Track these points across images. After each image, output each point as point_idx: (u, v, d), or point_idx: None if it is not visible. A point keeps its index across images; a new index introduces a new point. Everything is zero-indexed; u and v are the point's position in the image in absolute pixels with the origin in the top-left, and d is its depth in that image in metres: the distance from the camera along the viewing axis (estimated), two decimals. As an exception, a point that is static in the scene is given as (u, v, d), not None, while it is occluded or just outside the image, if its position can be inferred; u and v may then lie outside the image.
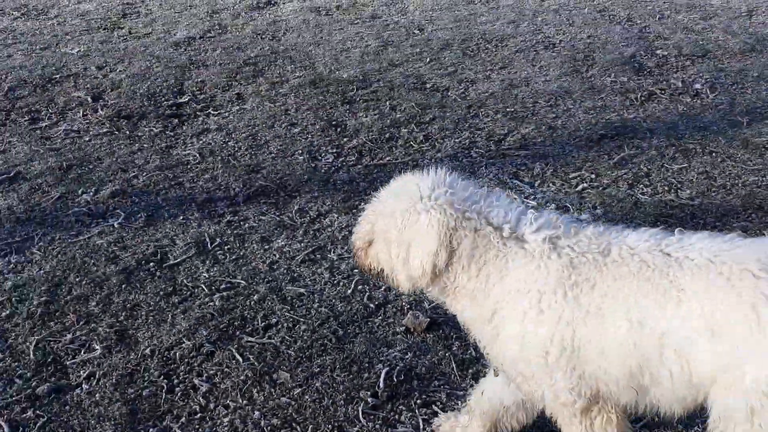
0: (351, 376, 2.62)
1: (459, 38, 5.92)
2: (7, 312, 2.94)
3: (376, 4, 6.85)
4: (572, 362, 1.92)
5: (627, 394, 1.92)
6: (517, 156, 4.16)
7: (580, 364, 1.92)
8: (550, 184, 3.87)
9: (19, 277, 3.14)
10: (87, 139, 4.44)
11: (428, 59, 5.56)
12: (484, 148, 4.26)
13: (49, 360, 2.70)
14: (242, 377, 2.62)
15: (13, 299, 3.01)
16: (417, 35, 6.07)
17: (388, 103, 4.87)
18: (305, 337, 2.81)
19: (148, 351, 2.74)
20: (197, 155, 4.24)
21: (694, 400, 1.86)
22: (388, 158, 4.20)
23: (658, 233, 1.94)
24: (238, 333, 2.84)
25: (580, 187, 3.83)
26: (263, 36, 6.12)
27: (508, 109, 4.72)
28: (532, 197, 3.74)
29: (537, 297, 1.92)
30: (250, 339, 2.81)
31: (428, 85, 5.13)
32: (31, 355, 2.71)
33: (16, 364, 2.68)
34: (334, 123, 4.60)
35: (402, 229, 2.01)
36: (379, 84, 5.16)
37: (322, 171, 4.06)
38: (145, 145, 4.35)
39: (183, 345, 2.77)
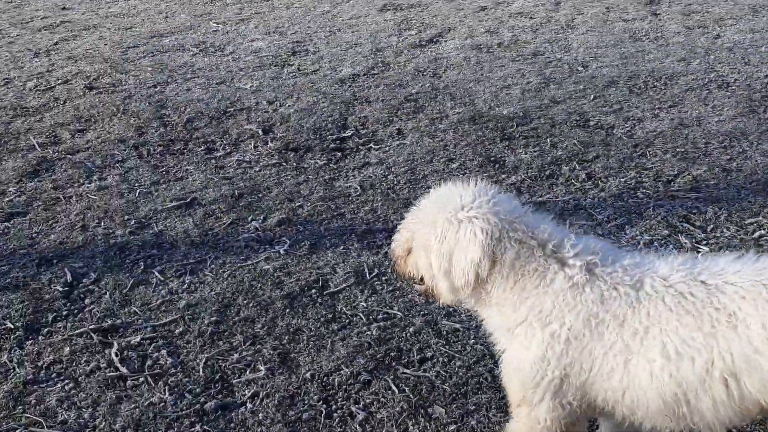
0: (507, 417, 2.56)
1: (625, 75, 5.77)
2: (181, 329, 3.12)
3: (539, 41, 6.81)
4: (581, 392, 1.97)
5: (656, 421, 1.92)
6: (687, 198, 3.97)
7: (590, 396, 1.96)
8: (724, 230, 3.65)
9: (192, 297, 3.33)
10: (257, 169, 4.67)
11: (592, 96, 5.44)
12: (651, 189, 4.09)
13: (217, 377, 2.83)
14: (398, 408, 2.63)
15: (186, 317, 3.19)
16: (580, 72, 5.97)
17: (548, 140, 4.80)
18: (460, 373, 2.79)
19: (308, 375, 2.81)
20: (358, 187, 4.35)
21: (742, 420, 1.88)
22: (548, 196, 4.13)
23: (687, 260, 1.95)
24: (394, 364, 2.86)
25: (757, 234, 3.59)
26: (424, 73, 6.24)
27: (677, 150, 4.53)
28: (705, 242, 3.54)
29: (565, 325, 1.94)
30: (406, 371, 2.82)
31: (592, 123, 5.02)
32: (201, 372, 2.86)
33: (187, 379, 2.83)
34: (492, 159, 4.59)
35: (443, 238, 2.02)
36: (540, 121, 5.10)
37: (480, 207, 4.04)
38: (310, 177, 4.51)
39: (342, 372, 2.82)
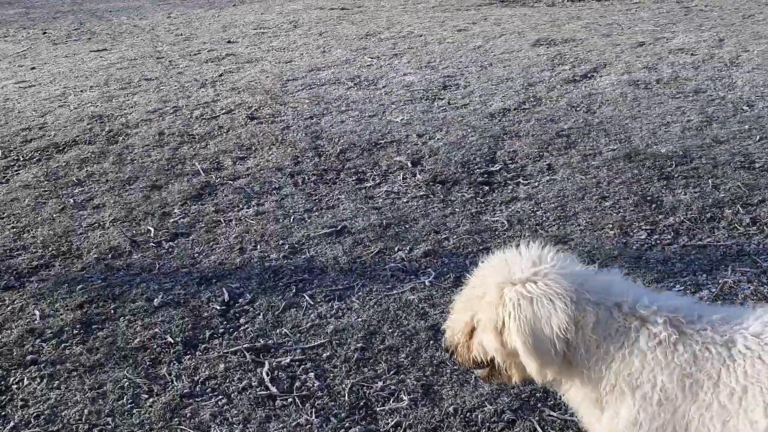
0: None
1: (796, 115, 5.42)
2: (328, 353, 3.19)
3: (700, 78, 6.53)
4: None
5: None
6: None
7: None
8: None
9: (339, 323, 3.40)
10: (405, 200, 4.73)
11: (758, 137, 5.14)
12: (825, 237, 3.80)
13: (361, 404, 2.87)
14: (543, 451, 2.56)
15: (334, 342, 3.26)
16: (746, 112, 5.66)
17: (710, 181, 4.57)
18: (610, 420, 2.68)
19: (451, 409, 2.79)
20: (505, 222, 4.31)
21: None
22: (708, 240, 3.92)
23: None
24: (539, 405, 2.79)
25: None
26: (578, 108, 6.13)
27: None
28: None
29: (657, 386, 1.82)
30: (552, 413, 2.74)
31: (757, 165, 4.73)
32: (346, 397, 2.90)
33: (333, 403, 2.88)
34: (648, 199, 4.42)
35: (519, 313, 1.87)
36: (701, 161, 4.87)
37: (634, 248, 3.90)
38: (457, 209, 4.52)
39: (485, 409, 2.78)
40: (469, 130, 5.81)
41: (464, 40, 9.34)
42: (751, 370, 1.76)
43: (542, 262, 1.99)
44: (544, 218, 4.33)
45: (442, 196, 4.73)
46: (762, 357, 1.76)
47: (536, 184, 4.80)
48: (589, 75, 7.08)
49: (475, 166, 5.13)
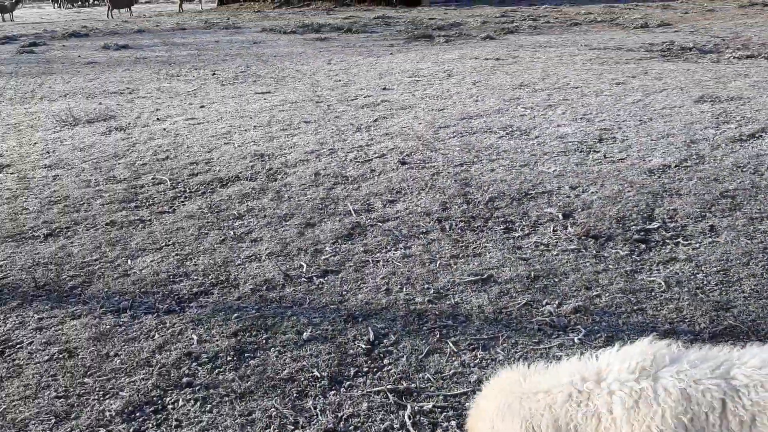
0: None
1: None
2: (470, 402, 3.13)
3: None
4: None
5: None
6: None
7: None
8: None
9: (483, 372, 3.34)
10: (555, 253, 4.63)
11: None
12: None
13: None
14: None
15: (477, 392, 3.20)
16: None
17: None
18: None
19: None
20: (663, 283, 4.11)
21: None
22: None
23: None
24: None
25: None
26: (744, 169, 5.81)
27: None
28: None
29: None
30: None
31: None
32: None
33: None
34: (824, 269, 4.09)
35: None
36: None
37: (806, 320, 3.61)
38: (610, 266, 4.37)
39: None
40: (625, 185, 5.63)
41: (622, 93, 9.13)
42: None
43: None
44: (704, 282, 4.10)
45: (594, 251, 4.59)
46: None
47: (697, 245, 4.57)
48: (757, 135, 6.71)
49: (631, 223, 4.95)
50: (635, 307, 3.87)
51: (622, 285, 4.11)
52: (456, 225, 5.14)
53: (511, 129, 7.67)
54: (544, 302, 4.00)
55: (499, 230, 5.03)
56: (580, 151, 6.66)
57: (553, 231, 4.96)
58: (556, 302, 3.98)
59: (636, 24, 18.57)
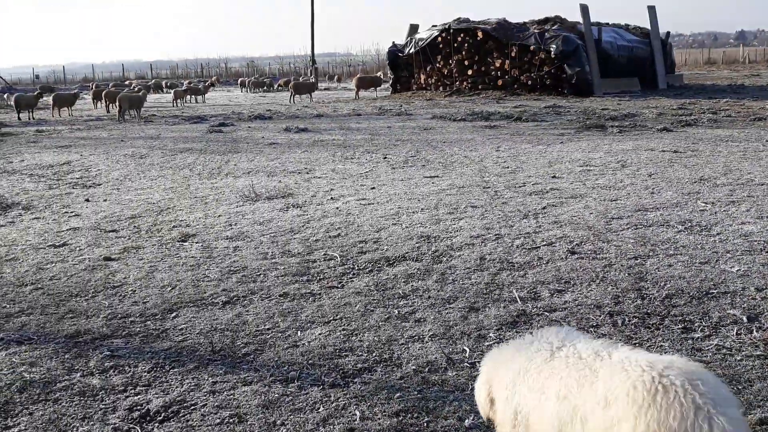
0: None
1: None
2: None
3: None
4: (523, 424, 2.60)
5: None
6: None
7: (528, 426, 2.58)
8: None
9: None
10: (738, 358, 4.30)
11: None
12: None
13: None
14: None
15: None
16: None
17: None
18: None
19: None
20: None
21: None
22: None
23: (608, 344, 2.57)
24: None
25: None
26: None
27: None
28: None
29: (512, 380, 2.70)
30: None
31: None
32: None
33: None
34: None
35: None
36: None
37: None
38: (803, 377, 3.98)
39: None
40: (820, 290, 5.17)
41: (815, 191, 8.49)
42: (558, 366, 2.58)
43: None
44: None
45: (786, 359, 4.21)
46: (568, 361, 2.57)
47: None
48: None
49: (827, 332, 4.52)
50: (835, 426, 3.48)
51: (819, 399, 3.73)
52: (629, 321, 4.91)
53: (690, 224, 7.31)
54: (726, 411, 3.69)
55: (677, 329, 4.76)
56: (767, 252, 6.22)
57: (737, 334, 4.62)
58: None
59: (830, 119, 17.37)
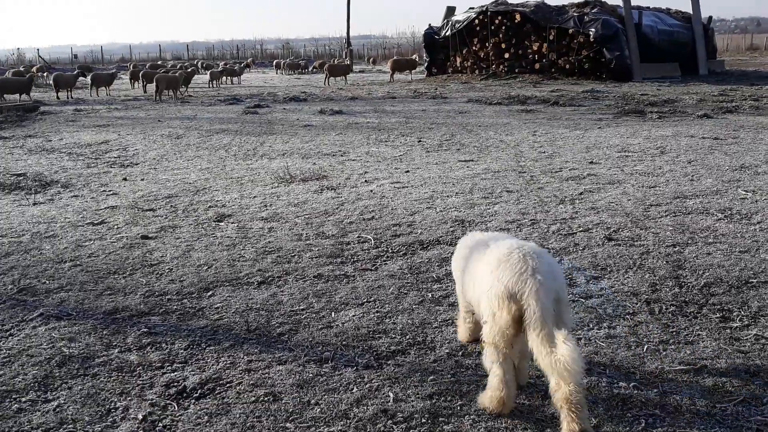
0: None
1: None
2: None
3: None
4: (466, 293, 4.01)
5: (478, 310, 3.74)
6: None
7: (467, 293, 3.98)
8: None
9: (694, 471, 3.08)
10: (779, 348, 4.22)
11: None
12: None
13: None
14: None
15: (686, 491, 2.94)
16: None
17: None
18: None
19: None
20: None
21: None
22: None
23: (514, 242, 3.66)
24: None
25: None
26: None
27: None
28: None
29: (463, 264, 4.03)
30: None
31: None
32: None
33: None
34: None
35: None
36: None
37: None
38: None
39: None
40: None
41: None
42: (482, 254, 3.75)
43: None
44: None
45: (827, 352, 4.12)
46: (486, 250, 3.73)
47: None
48: None
49: None
50: None
51: None
52: (666, 309, 4.85)
53: (730, 212, 7.19)
54: (764, 401, 3.65)
55: (715, 318, 4.69)
56: (811, 241, 6.09)
57: (777, 325, 4.53)
58: (782, 403, 3.61)
59: None
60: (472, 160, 11.15)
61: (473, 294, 3.75)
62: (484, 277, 3.52)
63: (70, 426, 3.57)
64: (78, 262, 6.30)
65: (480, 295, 3.57)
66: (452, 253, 4.37)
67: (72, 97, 27.83)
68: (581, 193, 8.36)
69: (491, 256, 3.54)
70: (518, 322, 3.33)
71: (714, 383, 3.85)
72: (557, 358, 3.11)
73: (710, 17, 38.57)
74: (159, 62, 59.13)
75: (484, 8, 35.00)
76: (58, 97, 27.68)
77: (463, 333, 4.37)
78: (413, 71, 40.21)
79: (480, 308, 3.60)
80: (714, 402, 3.66)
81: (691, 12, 34.75)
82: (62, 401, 3.81)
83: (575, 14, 31.63)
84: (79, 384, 4.00)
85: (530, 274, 3.29)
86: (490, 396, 3.54)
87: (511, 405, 3.53)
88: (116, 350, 4.44)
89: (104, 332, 4.73)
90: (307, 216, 7.77)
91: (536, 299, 3.24)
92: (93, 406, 3.76)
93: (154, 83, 26.74)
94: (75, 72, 31.18)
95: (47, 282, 5.78)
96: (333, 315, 4.92)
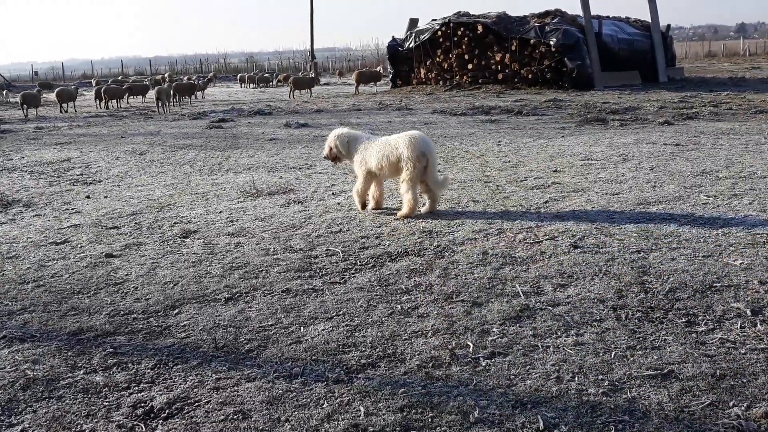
0: None
1: None
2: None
3: None
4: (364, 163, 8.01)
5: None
6: None
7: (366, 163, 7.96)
8: None
9: (663, 476, 3.11)
10: (743, 351, 4.28)
11: None
12: None
13: None
14: None
15: (656, 496, 2.97)
16: None
17: None
18: None
19: None
20: None
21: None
22: None
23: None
24: None
25: None
26: None
27: None
28: None
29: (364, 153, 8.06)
30: None
31: None
32: None
33: None
34: None
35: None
36: None
37: None
38: (808, 371, 3.97)
39: None
40: (823, 283, 5.16)
41: (817, 184, 8.47)
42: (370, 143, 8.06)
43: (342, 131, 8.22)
44: None
45: (788, 353, 4.20)
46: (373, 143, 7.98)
47: None
48: None
49: (832, 325, 4.50)
50: (840, 419, 3.47)
51: (824, 393, 3.72)
52: (633, 315, 4.90)
53: (692, 217, 7.30)
54: (730, 404, 3.69)
55: (681, 323, 4.74)
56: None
57: (741, 328, 4.61)
58: (745, 404, 3.66)
59: (831, 111, 17.34)
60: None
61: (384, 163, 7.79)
62: (401, 150, 7.57)
63: (34, 451, 3.49)
64: (41, 283, 6.19)
65: (394, 160, 7.68)
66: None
67: (36, 115, 27.43)
68: (546, 202, 8.43)
69: (401, 139, 7.62)
70: (422, 171, 7.64)
71: (681, 387, 3.89)
72: (435, 179, 7.76)
73: (669, 25, 39.29)
74: (120, 77, 58.57)
75: (447, 20, 35.27)
76: (26, 116, 27.25)
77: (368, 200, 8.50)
78: (378, 83, 40.34)
79: (388, 170, 7.84)
80: (681, 406, 3.70)
81: (650, 20, 35.38)
82: (27, 425, 3.73)
83: (536, 24, 32.01)
84: (44, 407, 3.92)
85: (431, 145, 7.67)
86: (408, 207, 7.86)
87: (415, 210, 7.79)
88: (81, 371, 4.36)
89: (69, 353, 4.64)
90: (274, 230, 7.73)
91: (433, 157, 7.63)
92: (59, 429, 3.69)
93: (155, 94, 27.80)
94: (36, 89, 30.80)
95: (9, 303, 5.66)
96: (302, 330, 4.89)
